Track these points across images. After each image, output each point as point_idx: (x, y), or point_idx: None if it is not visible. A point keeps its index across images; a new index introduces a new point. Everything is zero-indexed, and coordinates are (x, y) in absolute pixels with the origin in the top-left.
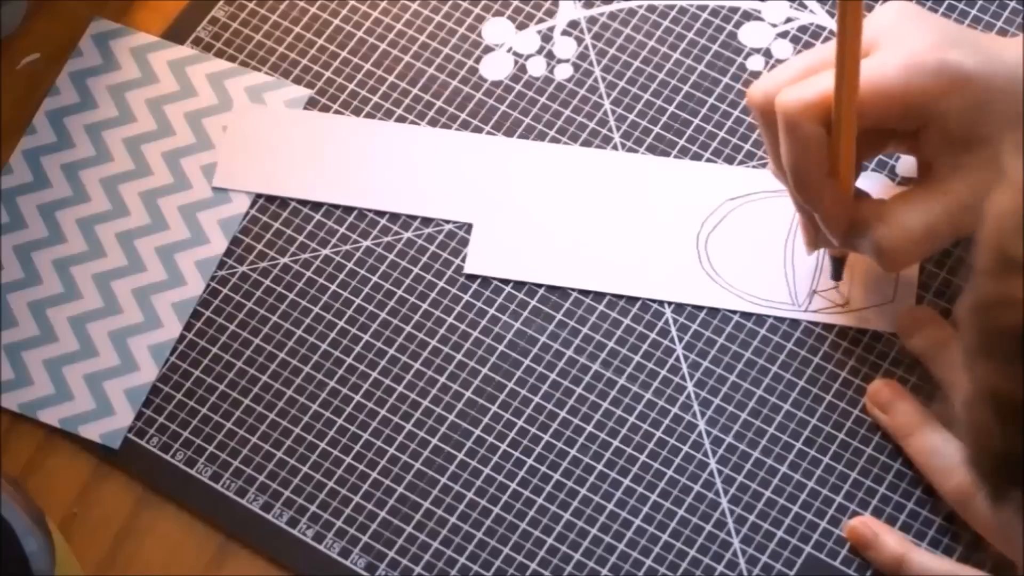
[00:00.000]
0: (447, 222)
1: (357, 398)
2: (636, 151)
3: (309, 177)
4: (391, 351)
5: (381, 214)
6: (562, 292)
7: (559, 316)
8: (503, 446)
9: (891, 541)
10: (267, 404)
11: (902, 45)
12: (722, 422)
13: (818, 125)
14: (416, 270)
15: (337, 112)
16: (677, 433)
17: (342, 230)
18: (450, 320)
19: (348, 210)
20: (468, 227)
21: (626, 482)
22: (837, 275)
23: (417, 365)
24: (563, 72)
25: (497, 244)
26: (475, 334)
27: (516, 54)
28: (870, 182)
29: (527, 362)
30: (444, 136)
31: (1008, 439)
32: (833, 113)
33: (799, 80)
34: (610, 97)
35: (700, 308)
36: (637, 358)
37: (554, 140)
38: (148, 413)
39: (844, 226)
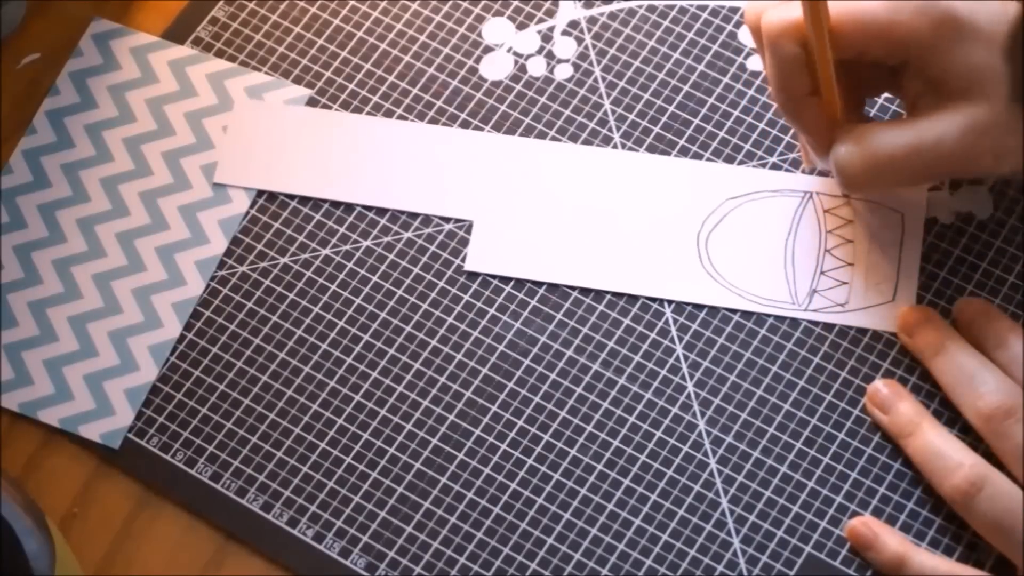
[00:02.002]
0: (447, 221)
1: (357, 398)
2: (636, 151)
3: (310, 174)
4: (391, 351)
5: (381, 213)
6: (562, 292)
7: (559, 316)
8: (503, 446)
9: (891, 541)
10: (267, 404)
11: None
12: (722, 422)
13: (796, 45)
14: (416, 270)
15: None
16: (677, 433)
17: (342, 230)
18: (450, 320)
19: (348, 209)
20: (468, 227)
21: (626, 482)
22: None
23: (417, 365)
24: (563, 72)
25: (498, 242)
26: (475, 334)
27: (516, 54)
28: None
29: (527, 362)
30: (445, 133)
31: None
32: (808, 32)
33: (781, 4)
34: (610, 97)
35: (700, 308)
36: (637, 358)
37: (554, 140)
38: (148, 413)
39: (826, 145)
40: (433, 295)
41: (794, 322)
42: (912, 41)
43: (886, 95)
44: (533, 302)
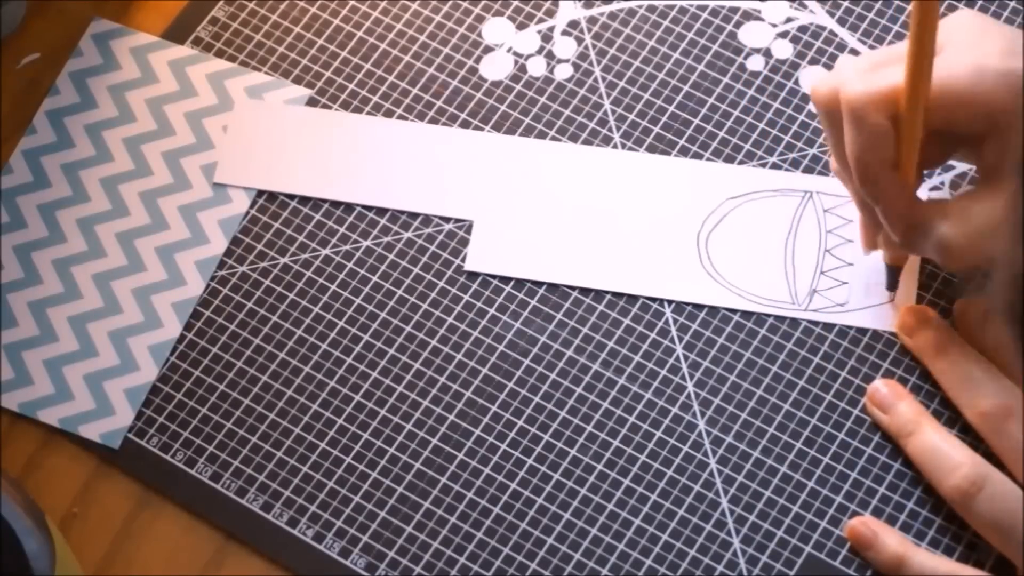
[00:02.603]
0: (447, 221)
1: (357, 398)
2: (636, 151)
3: (310, 173)
4: (391, 351)
5: (381, 213)
6: (562, 292)
7: (559, 316)
8: (503, 446)
9: (891, 541)
10: (267, 404)
11: (972, 49)
12: (722, 422)
13: (884, 117)
14: (416, 270)
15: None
16: (677, 433)
17: (342, 230)
18: (450, 320)
19: (348, 209)
20: (468, 227)
21: (626, 482)
22: (892, 284)
23: (417, 365)
24: (563, 72)
25: (498, 242)
26: (475, 334)
27: (516, 54)
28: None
29: (527, 362)
30: (445, 133)
31: None
32: (903, 105)
33: (864, 75)
34: (610, 97)
35: (700, 308)
36: (637, 358)
37: (554, 140)
38: (148, 413)
39: (906, 221)
40: (433, 295)
41: (794, 322)
42: (994, 109)
43: None
44: (533, 302)
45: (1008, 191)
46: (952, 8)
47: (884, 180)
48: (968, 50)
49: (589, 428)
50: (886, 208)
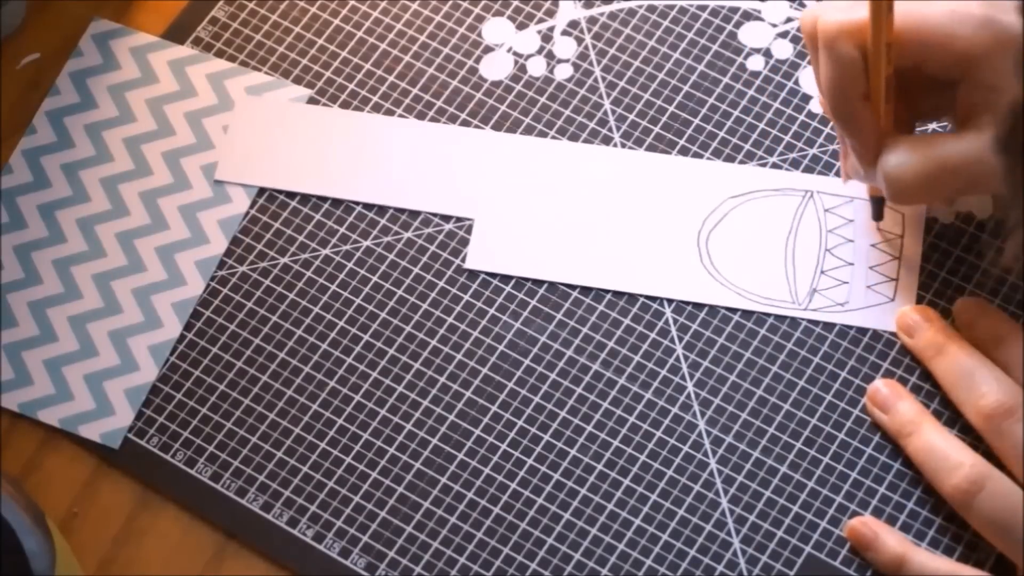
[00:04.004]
0: (447, 220)
1: (357, 398)
2: (636, 151)
3: (311, 171)
4: (391, 351)
5: (382, 213)
6: (562, 292)
7: (559, 316)
8: (503, 446)
9: (891, 541)
10: (267, 404)
11: None
12: (722, 422)
13: (854, 47)
14: (416, 270)
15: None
16: (677, 433)
17: (342, 230)
18: (450, 320)
19: (348, 209)
20: (468, 227)
21: (626, 482)
22: (877, 215)
23: (417, 365)
24: (563, 72)
25: (498, 240)
26: (475, 334)
27: (516, 54)
28: None
29: (527, 362)
30: (445, 132)
31: None
32: (869, 36)
33: (841, 7)
34: (610, 97)
35: (700, 307)
36: (637, 358)
37: (554, 140)
38: (148, 413)
39: (873, 153)
40: (433, 295)
41: (794, 322)
42: (970, 55)
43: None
44: (533, 302)
45: (964, 137)
46: None
47: (853, 109)
48: None
49: (589, 428)
50: (855, 139)
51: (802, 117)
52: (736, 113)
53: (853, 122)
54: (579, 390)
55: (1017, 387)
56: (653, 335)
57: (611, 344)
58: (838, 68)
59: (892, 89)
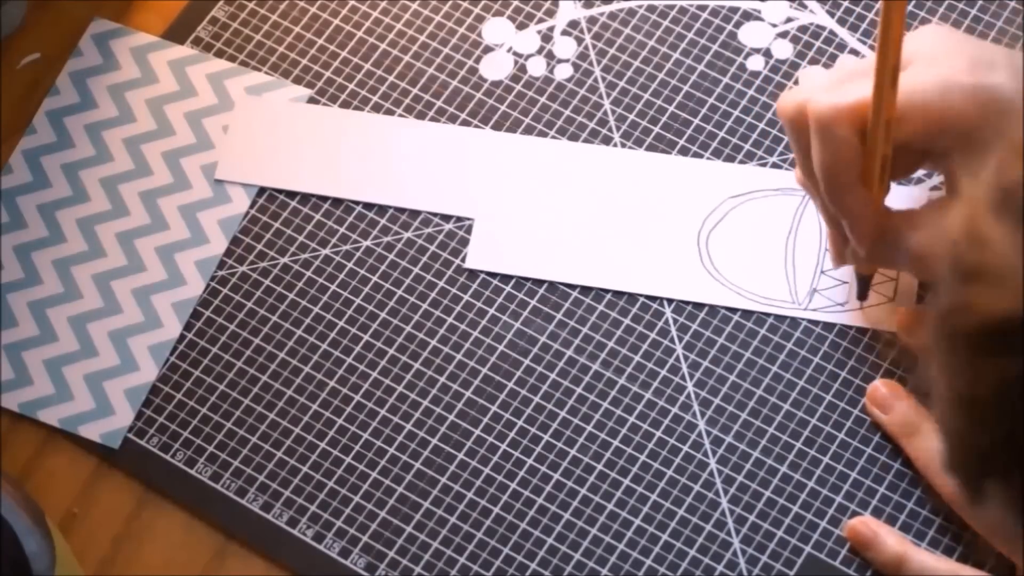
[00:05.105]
0: (447, 220)
1: (357, 398)
2: (636, 151)
3: (311, 171)
4: (391, 351)
5: (382, 212)
6: (562, 292)
7: (559, 316)
8: (503, 446)
9: (891, 541)
10: (267, 404)
11: (939, 63)
12: (722, 422)
13: (851, 131)
14: (416, 270)
15: None
16: (677, 433)
17: (342, 230)
18: (450, 320)
19: (348, 209)
20: (468, 227)
21: (626, 482)
22: (862, 294)
23: (417, 365)
24: (563, 72)
25: (498, 240)
26: (475, 334)
27: (516, 54)
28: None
29: (527, 362)
30: (446, 131)
31: (975, 435)
32: (870, 119)
33: (831, 89)
34: (610, 97)
35: (700, 307)
36: (637, 358)
37: (554, 140)
38: (148, 413)
39: (872, 236)
40: (433, 295)
41: (794, 322)
42: (962, 124)
43: None
44: (533, 302)
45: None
46: (945, 17)
47: (851, 194)
48: (935, 64)
49: (589, 428)
50: (852, 222)
51: None
52: (736, 113)
53: (851, 205)
54: (579, 390)
55: None
56: (653, 335)
57: (611, 344)
58: (835, 152)
59: (889, 167)
